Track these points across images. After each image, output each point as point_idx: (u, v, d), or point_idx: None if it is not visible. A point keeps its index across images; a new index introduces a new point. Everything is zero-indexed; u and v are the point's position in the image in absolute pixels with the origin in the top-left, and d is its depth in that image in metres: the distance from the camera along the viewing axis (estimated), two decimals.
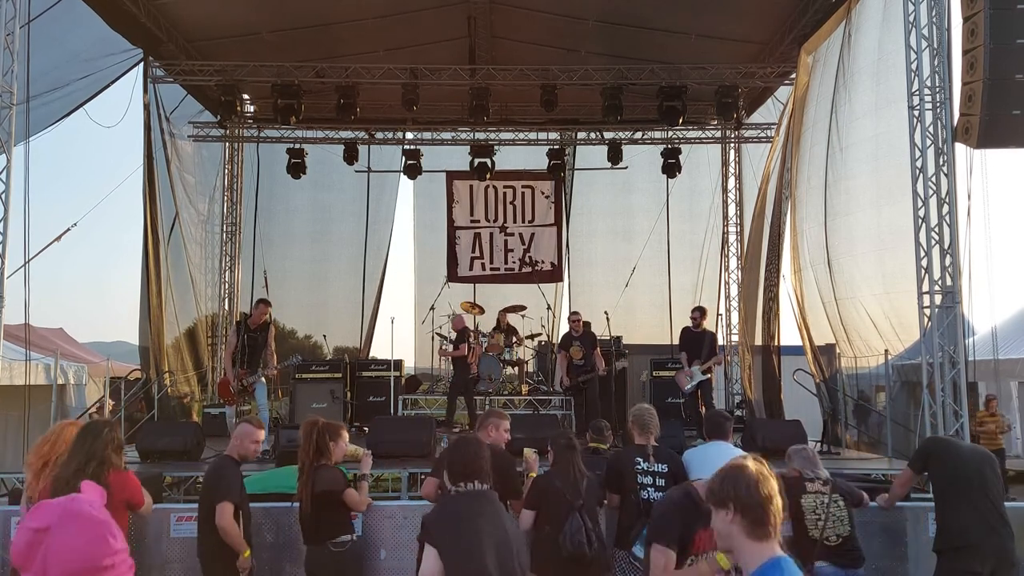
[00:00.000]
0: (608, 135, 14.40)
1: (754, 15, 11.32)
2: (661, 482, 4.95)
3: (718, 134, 14.73)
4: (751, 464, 2.41)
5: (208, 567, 4.54)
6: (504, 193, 15.09)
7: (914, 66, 8.02)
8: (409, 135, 15.00)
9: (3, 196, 7.63)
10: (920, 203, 7.91)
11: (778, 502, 2.33)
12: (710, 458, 5.06)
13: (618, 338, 11.81)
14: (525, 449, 5.23)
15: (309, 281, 15.30)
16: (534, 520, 4.59)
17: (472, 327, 12.64)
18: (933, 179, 7.87)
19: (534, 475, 5.01)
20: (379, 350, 14.88)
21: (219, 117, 13.27)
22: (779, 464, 6.78)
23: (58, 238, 10.19)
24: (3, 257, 7.51)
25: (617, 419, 9.31)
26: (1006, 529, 4.55)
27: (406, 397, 11.53)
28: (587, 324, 10.43)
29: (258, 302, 9.14)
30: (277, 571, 5.16)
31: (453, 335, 12.30)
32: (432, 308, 12.84)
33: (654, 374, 11.59)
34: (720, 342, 13.11)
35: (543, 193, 15.09)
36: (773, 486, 2.35)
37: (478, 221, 15.11)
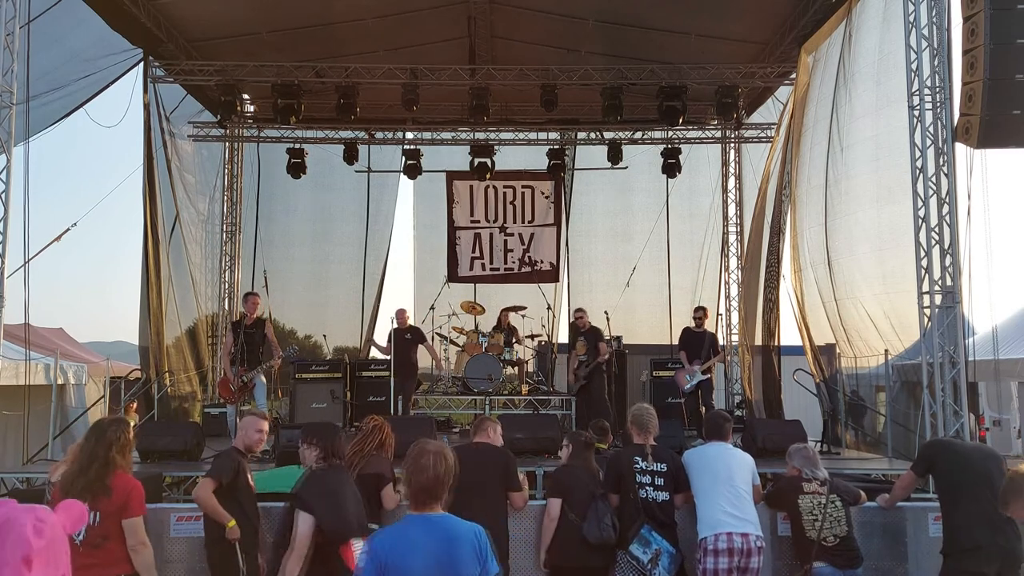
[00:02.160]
0: (608, 135, 14.39)
1: (754, 15, 11.32)
2: (660, 481, 4.96)
3: (718, 134, 14.73)
4: (432, 451, 2.94)
5: (209, 555, 4.73)
6: (504, 193, 15.08)
7: (914, 66, 8.01)
8: (409, 135, 14.99)
9: (3, 196, 7.63)
10: (920, 203, 7.91)
11: (440, 487, 2.89)
12: (709, 459, 5.08)
13: (618, 338, 11.82)
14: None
15: (309, 281, 15.28)
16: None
17: (473, 327, 12.65)
18: (933, 179, 7.86)
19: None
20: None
21: (219, 117, 13.25)
22: (780, 464, 6.79)
23: (58, 238, 10.18)
24: (3, 257, 7.51)
25: (617, 419, 9.31)
26: (1012, 529, 4.52)
27: None
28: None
29: (246, 296, 9.18)
30: (278, 570, 5.15)
31: (459, 336, 12.27)
32: (432, 308, 12.83)
33: (654, 374, 11.58)
34: (720, 342, 13.11)
35: (543, 193, 15.08)
36: (440, 472, 2.90)
37: (478, 221, 15.11)
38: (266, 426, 4.99)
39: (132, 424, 9.87)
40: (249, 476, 4.86)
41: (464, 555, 2.79)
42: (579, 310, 10.48)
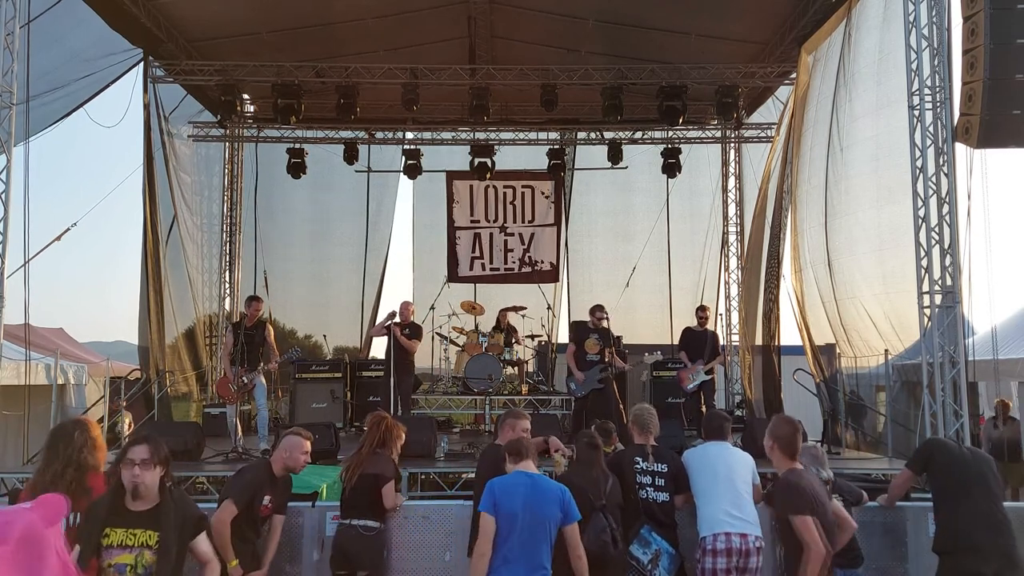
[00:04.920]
0: (608, 135, 14.40)
1: (754, 15, 11.32)
2: (661, 482, 4.95)
3: (718, 134, 14.73)
4: (510, 421, 4.81)
5: None
6: (504, 193, 15.09)
7: (914, 66, 8.02)
8: (409, 135, 15.00)
9: (3, 196, 7.63)
10: (920, 203, 7.91)
11: (522, 447, 4.28)
12: (709, 459, 5.07)
13: (618, 338, 11.80)
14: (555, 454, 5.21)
15: (309, 281, 15.28)
16: None
17: (473, 327, 12.65)
18: (933, 179, 7.86)
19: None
20: (379, 350, 14.80)
21: (219, 117, 13.27)
22: None
23: (58, 238, 10.18)
24: (3, 257, 7.51)
25: (617, 422, 9.25)
26: (1008, 529, 4.55)
27: None
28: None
29: (249, 299, 9.15)
30: (277, 571, 5.15)
31: (459, 336, 12.19)
32: (432, 308, 12.83)
33: (654, 374, 11.58)
34: (720, 342, 13.10)
35: (543, 193, 15.09)
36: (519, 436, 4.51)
37: (478, 221, 15.11)
38: (309, 446, 4.83)
39: (127, 423, 9.82)
40: (268, 499, 4.66)
41: (548, 503, 4.02)
42: (601, 308, 9.44)
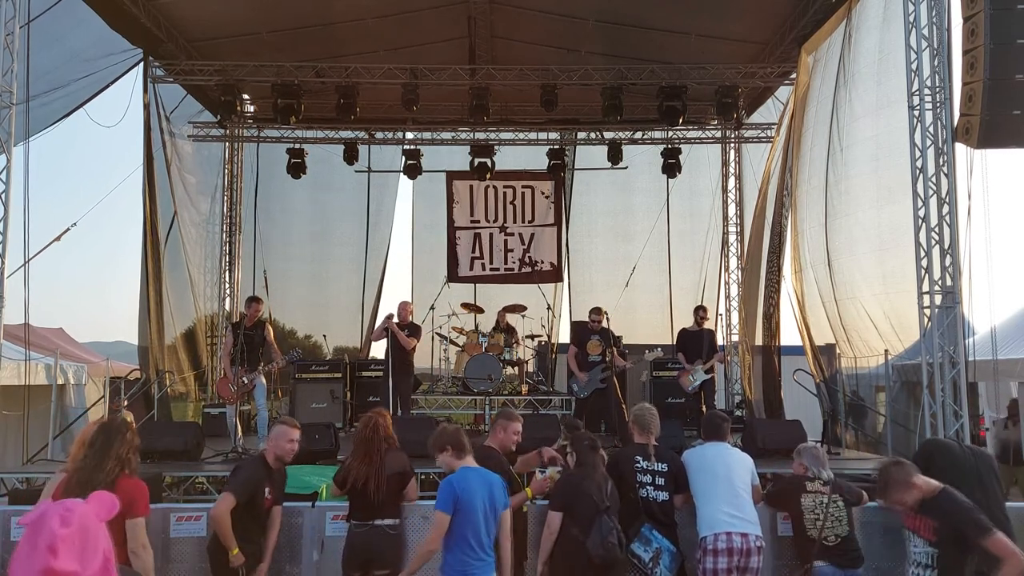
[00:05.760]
0: (608, 135, 14.40)
1: (754, 15, 11.32)
2: (661, 481, 4.95)
3: (718, 134, 14.73)
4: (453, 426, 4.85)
5: (211, 559, 4.68)
6: (504, 193, 15.09)
7: (914, 66, 8.01)
8: (409, 135, 15.01)
9: (3, 196, 7.63)
10: (920, 203, 7.91)
11: (462, 439, 4.50)
12: (708, 459, 5.09)
13: (618, 338, 11.81)
14: (550, 470, 5.17)
15: (309, 281, 15.29)
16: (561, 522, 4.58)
17: (473, 327, 12.64)
18: (933, 179, 7.86)
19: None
20: (379, 350, 14.81)
21: (219, 117, 13.27)
22: (780, 464, 6.79)
23: (58, 238, 10.18)
24: (3, 257, 7.51)
25: (617, 420, 9.26)
26: (1007, 529, 4.56)
27: None
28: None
29: (249, 300, 9.14)
30: (277, 571, 5.15)
31: (459, 336, 12.19)
32: (432, 308, 12.84)
33: (654, 374, 11.57)
34: (720, 342, 13.11)
35: (543, 193, 15.09)
36: (455, 430, 4.59)
37: (478, 221, 15.11)
38: (298, 435, 4.90)
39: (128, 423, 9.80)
40: (268, 491, 4.72)
41: (497, 492, 4.35)
42: (599, 310, 9.68)
